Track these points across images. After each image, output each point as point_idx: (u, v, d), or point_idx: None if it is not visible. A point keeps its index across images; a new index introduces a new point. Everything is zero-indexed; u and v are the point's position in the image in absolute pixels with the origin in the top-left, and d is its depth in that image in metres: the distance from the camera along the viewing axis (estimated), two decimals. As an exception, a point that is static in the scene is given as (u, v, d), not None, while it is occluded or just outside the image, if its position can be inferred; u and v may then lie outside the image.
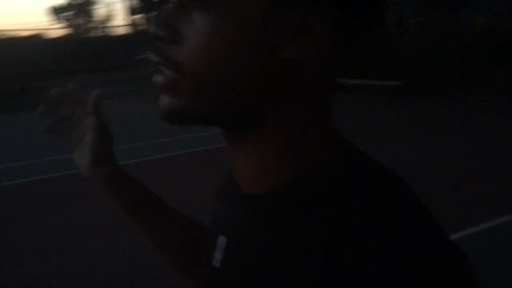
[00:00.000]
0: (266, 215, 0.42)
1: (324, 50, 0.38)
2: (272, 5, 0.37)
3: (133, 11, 28.37)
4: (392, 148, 5.48)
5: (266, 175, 0.43)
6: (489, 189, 4.14)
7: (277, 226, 0.41)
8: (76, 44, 27.39)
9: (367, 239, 0.35)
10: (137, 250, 2.89)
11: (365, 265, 0.34)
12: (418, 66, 10.83)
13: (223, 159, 0.56)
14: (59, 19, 42.74)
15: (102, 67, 20.76)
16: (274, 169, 0.42)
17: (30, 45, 25.58)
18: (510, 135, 6.02)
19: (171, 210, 0.70)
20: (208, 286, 0.50)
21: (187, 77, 0.39)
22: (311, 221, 0.38)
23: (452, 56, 10.86)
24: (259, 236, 0.42)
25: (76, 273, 3.25)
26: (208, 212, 0.56)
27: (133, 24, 28.71)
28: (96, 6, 46.99)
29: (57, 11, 42.79)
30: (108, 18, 43.48)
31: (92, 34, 39.86)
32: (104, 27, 41.26)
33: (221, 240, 0.48)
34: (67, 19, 42.36)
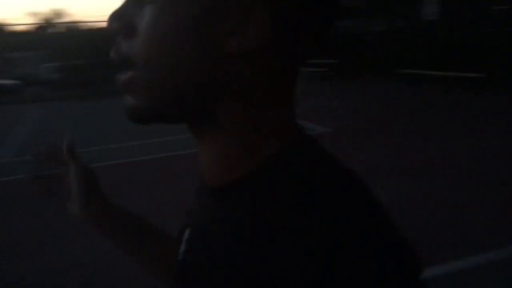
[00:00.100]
0: (226, 206, 0.42)
1: (271, 38, 0.37)
2: None
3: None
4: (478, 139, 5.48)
5: (225, 167, 0.43)
6: None
7: (234, 215, 0.41)
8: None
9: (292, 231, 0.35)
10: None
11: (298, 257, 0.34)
12: (504, 56, 9.97)
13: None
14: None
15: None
16: (232, 161, 0.42)
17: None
18: None
19: (161, 234, 0.73)
20: (173, 280, 0.49)
21: (139, 72, 0.39)
22: (265, 210, 0.38)
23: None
24: (217, 226, 0.42)
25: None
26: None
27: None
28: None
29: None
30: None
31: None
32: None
33: (186, 233, 0.49)
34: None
